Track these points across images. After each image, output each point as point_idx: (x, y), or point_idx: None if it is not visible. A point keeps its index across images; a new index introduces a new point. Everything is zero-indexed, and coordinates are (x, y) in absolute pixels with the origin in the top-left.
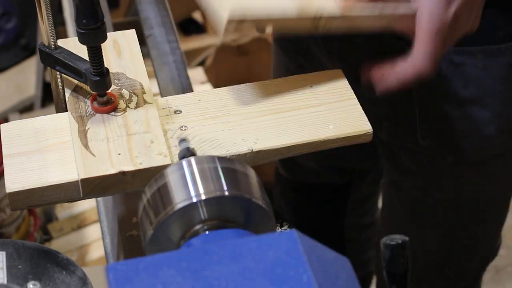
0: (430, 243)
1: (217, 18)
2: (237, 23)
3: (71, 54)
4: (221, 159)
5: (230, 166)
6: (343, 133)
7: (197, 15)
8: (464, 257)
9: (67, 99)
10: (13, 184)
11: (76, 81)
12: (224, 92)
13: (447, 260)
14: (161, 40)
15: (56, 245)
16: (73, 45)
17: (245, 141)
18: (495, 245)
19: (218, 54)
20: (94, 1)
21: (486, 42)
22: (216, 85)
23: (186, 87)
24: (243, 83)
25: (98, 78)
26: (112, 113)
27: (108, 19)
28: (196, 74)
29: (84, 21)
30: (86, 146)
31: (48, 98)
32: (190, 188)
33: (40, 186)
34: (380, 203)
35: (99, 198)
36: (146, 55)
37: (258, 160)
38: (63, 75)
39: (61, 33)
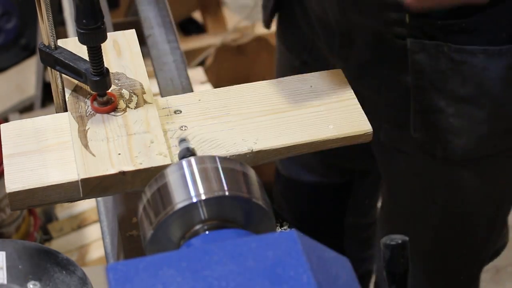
0: (424, 244)
1: None
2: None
3: (71, 54)
4: (221, 159)
5: (230, 166)
6: (343, 133)
7: (197, 15)
8: (457, 259)
9: (67, 99)
10: (13, 184)
11: (76, 81)
12: (224, 92)
13: (441, 260)
14: (161, 40)
15: (56, 245)
16: (73, 45)
17: (245, 141)
18: (491, 246)
19: (218, 54)
20: (94, 1)
21: (487, 42)
22: (216, 85)
23: (186, 87)
24: (243, 83)
25: (98, 78)
26: (112, 113)
27: (108, 19)
28: (196, 74)
29: (84, 21)
30: (86, 146)
31: (48, 98)
32: (190, 188)
33: (40, 186)
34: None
35: (99, 198)
36: (146, 55)
37: (258, 160)
38: (63, 75)
39: (61, 33)
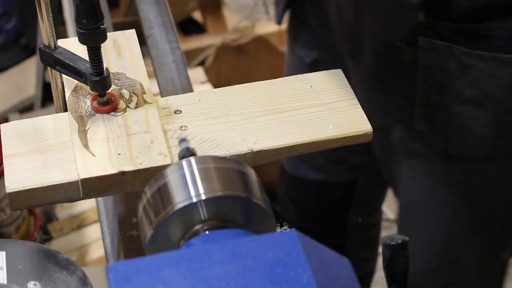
0: (422, 245)
1: None
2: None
3: (71, 54)
4: (221, 159)
5: (230, 166)
6: (343, 133)
7: (197, 15)
8: (459, 263)
9: (67, 99)
10: (13, 184)
11: (76, 81)
12: (224, 92)
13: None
14: (161, 40)
15: (56, 245)
16: (73, 45)
17: (245, 141)
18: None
19: (218, 54)
20: (94, 1)
21: (498, 49)
22: (216, 85)
23: (186, 87)
24: (243, 83)
25: (98, 78)
26: (112, 113)
27: (108, 19)
28: (196, 74)
29: (84, 21)
30: (86, 146)
31: (48, 98)
32: (190, 188)
33: (40, 186)
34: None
35: (99, 198)
36: (146, 55)
37: (258, 160)
38: (63, 75)
39: (61, 33)
